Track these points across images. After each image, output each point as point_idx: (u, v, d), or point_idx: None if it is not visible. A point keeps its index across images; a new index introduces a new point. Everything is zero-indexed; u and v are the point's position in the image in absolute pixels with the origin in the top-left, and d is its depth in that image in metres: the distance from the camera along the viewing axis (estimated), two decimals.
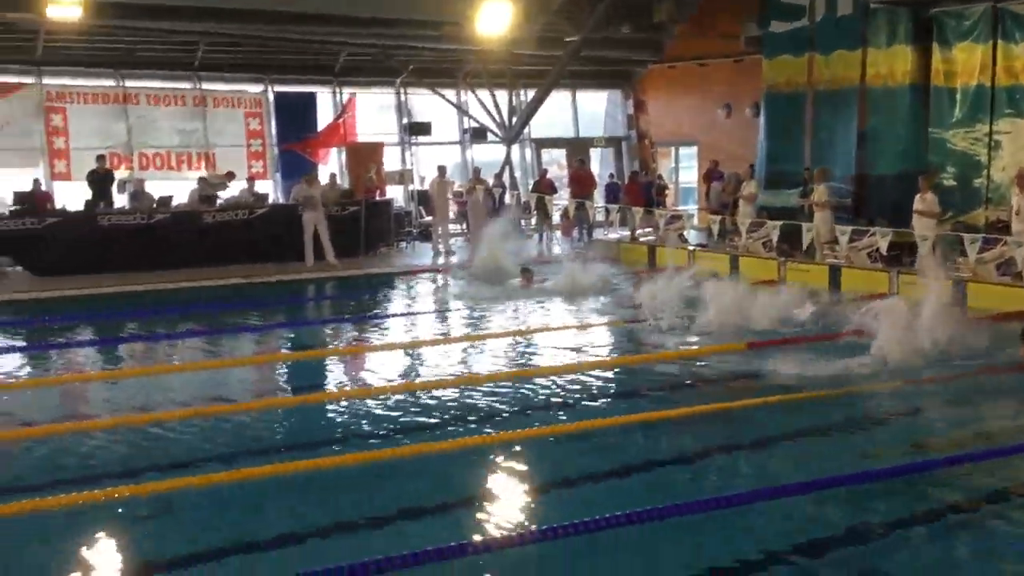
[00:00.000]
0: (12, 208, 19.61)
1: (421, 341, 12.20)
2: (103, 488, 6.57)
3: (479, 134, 27.27)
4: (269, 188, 24.29)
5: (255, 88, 25.03)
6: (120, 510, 6.34)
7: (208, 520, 6.18)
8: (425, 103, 27.53)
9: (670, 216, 21.56)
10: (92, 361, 11.54)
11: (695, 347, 11.27)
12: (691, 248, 19.80)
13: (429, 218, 24.75)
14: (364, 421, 8.47)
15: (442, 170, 23.52)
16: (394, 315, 14.18)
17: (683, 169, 29.66)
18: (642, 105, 29.62)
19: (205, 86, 24.28)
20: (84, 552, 5.72)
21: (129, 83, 23.40)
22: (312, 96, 25.51)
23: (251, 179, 22.42)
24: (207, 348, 12.09)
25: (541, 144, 29.14)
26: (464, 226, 25.69)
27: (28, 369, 10.97)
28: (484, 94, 26.56)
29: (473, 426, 8.16)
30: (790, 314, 12.08)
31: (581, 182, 24.60)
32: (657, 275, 13.74)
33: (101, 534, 6.00)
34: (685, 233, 21.53)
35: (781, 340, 11.20)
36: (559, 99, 28.67)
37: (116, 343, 12.58)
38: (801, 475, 6.75)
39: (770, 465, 7.35)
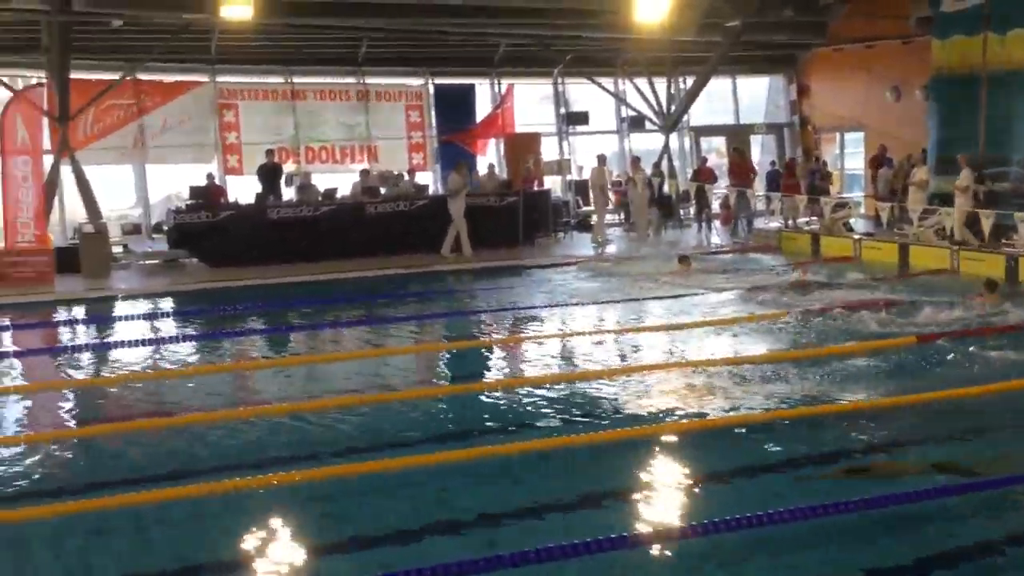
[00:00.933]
0: (188, 202, 20.53)
1: (577, 332, 12.14)
2: (272, 473, 6.76)
3: (637, 123, 27.04)
4: (429, 179, 24.68)
5: (416, 81, 25.48)
6: (295, 494, 6.49)
7: (390, 505, 6.28)
8: (583, 92, 27.46)
9: (835, 204, 20.92)
10: (261, 349, 11.92)
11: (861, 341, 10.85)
12: (857, 237, 19.15)
13: (587, 208, 24.71)
14: (544, 408, 8.45)
15: (601, 159, 23.44)
16: (550, 306, 14.17)
17: (848, 155, 28.71)
18: (805, 90, 28.82)
19: (368, 80, 24.85)
20: (258, 535, 5.88)
21: (297, 79, 24.17)
22: (471, 88, 25.79)
23: (412, 171, 22.84)
24: (369, 337, 12.31)
25: (700, 132, 28.70)
26: (623, 216, 25.54)
27: (203, 356, 11.40)
28: (642, 82, 26.31)
29: (639, 416, 8.08)
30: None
31: (738, 171, 24.09)
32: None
33: (275, 517, 6.15)
34: (851, 221, 20.86)
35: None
36: (719, 85, 28.15)
37: (284, 331, 12.96)
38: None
39: None
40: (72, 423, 8.78)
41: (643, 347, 11.01)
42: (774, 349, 10.51)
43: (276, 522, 6.04)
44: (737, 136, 28.26)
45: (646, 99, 26.42)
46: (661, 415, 8.05)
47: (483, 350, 11.50)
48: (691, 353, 10.49)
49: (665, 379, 9.23)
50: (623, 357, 10.61)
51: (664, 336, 11.56)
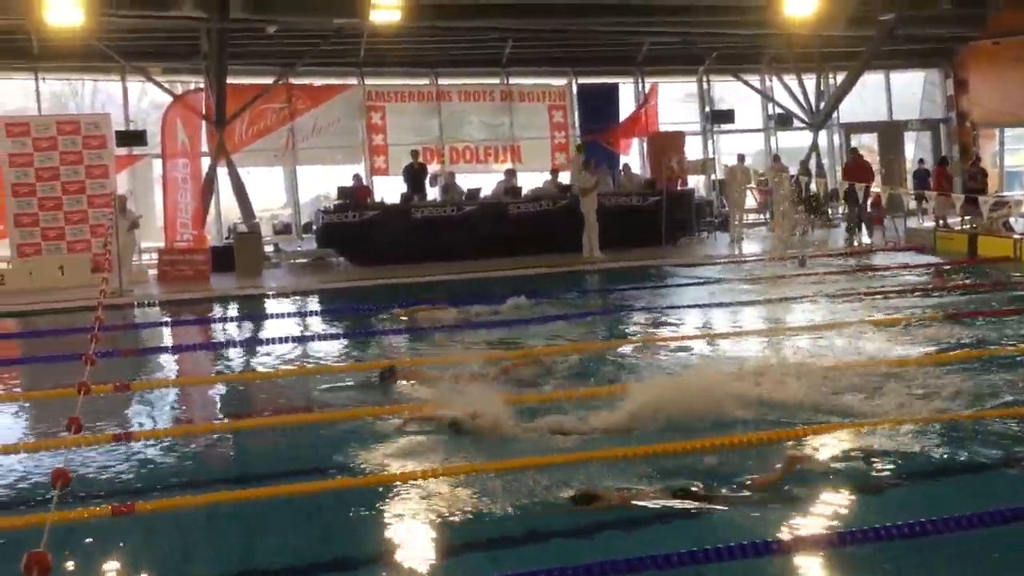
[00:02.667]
0: (336, 202, 21.05)
1: (719, 333, 11.87)
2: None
3: (784, 120, 26.46)
4: None
5: (559, 81, 25.51)
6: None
7: None
8: (728, 90, 27.05)
9: (994, 202, 20.02)
10: (405, 347, 11.97)
11: None
12: (1017, 236, 18.29)
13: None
14: None
15: (740, 157, 23.04)
16: (686, 306, 13.89)
17: (1009, 152, 27.45)
18: (963, 84, 27.68)
19: (512, 81, 25.01)
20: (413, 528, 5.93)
21: (442, 81, 24.50)
22: (614, 87, 25.66)
23: (555, 171, 22.86)
24: (511, 337, 12.25)
25: (850, 129, 27.87)
26: (767, 215, 25.03)
27: (352, 352, 11.56)
28: (790, 78, 25.73)
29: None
30: None
31: (856, 173, 22.87)
32: None
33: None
34: (1011, 220, 19.95)
35: None
36: (870, 80, 27.29)
37: (425, 331, 12.95)
38: None
39: None
40: (224, 416, 9.05)
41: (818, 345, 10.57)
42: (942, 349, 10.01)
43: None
44: (889, 133, 27.35)
45: (794, 96, 25.83)
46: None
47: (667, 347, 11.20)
48: (865, 352, 10.00)
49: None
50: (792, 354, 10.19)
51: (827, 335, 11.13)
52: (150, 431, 8.07)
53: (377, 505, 6.11)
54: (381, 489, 6.32)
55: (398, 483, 6.37)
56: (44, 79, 22.24)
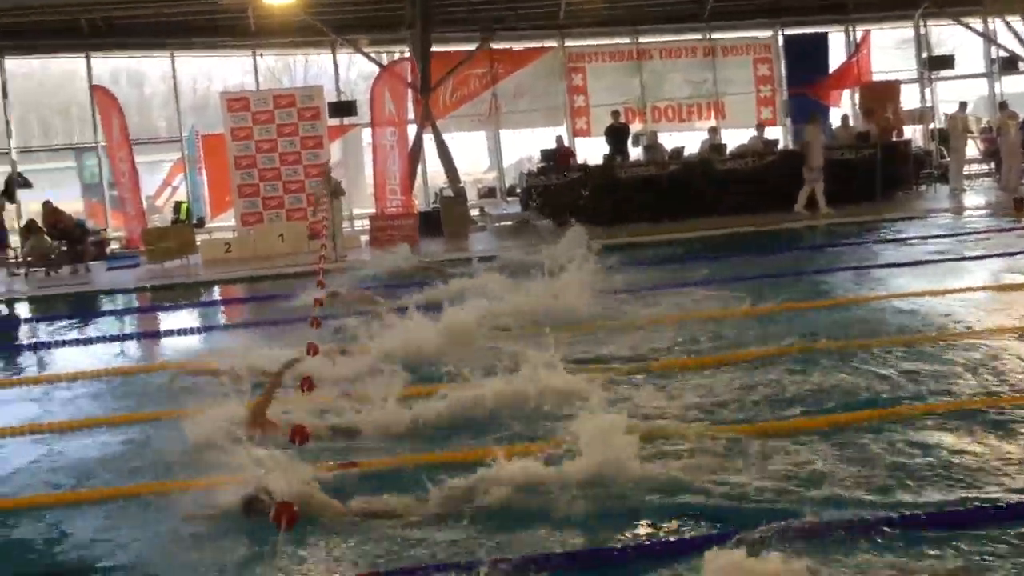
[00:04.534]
0: (539, 165, 21.18)
1: (930, 291, 11.19)
2: None
3: (1010, 64, 24.80)
4: (779, 134, 23.96)
5: (764, 33, 24.76)
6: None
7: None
8: (947, 34, 25.58)
9: None
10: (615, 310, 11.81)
11: None
12: None
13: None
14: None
15: (962, 105, 21.74)
16: (907, 264, 13.22)
17: None
18: None
19: (715, 36, 24.44)
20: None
21: (643, 39, 24.19)
22: (823, 36, 24.69)
23: (760, 126, 22.24)
24: (730, 296, 11.97)
25: None
26: (994, 166, 23.59)
27: None
28: (1015, 19, 24.06)
29: None
30: None
31: None
32: None
33: None
34: None
35: None
36: None
37: (639, 291, 12.75)
38: None
39: None
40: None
41: None
42: None
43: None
44: None
45: (1020, 38, 24.16)
46: None
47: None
48: None
49: None
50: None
51: None
52: None
53: None
54: None
55: None
56: (261, 55, 23.27)
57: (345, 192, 19.70)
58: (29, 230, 19.61)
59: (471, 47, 22.66)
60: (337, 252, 17.49)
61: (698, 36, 24.52)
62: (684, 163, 20.57)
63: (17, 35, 21.57)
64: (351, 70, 25.30)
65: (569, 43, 23.95)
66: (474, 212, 22.29)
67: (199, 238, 20.40)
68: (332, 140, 21.64)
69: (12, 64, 22.61)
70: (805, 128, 19.89)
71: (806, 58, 24.27)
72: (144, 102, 28.48)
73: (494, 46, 23.29)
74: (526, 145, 24.77)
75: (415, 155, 21.85)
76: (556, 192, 20.02)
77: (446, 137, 22.05)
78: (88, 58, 22.20)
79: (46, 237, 19.33)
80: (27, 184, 21.61)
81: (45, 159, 25.73)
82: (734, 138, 22.11)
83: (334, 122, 21.84)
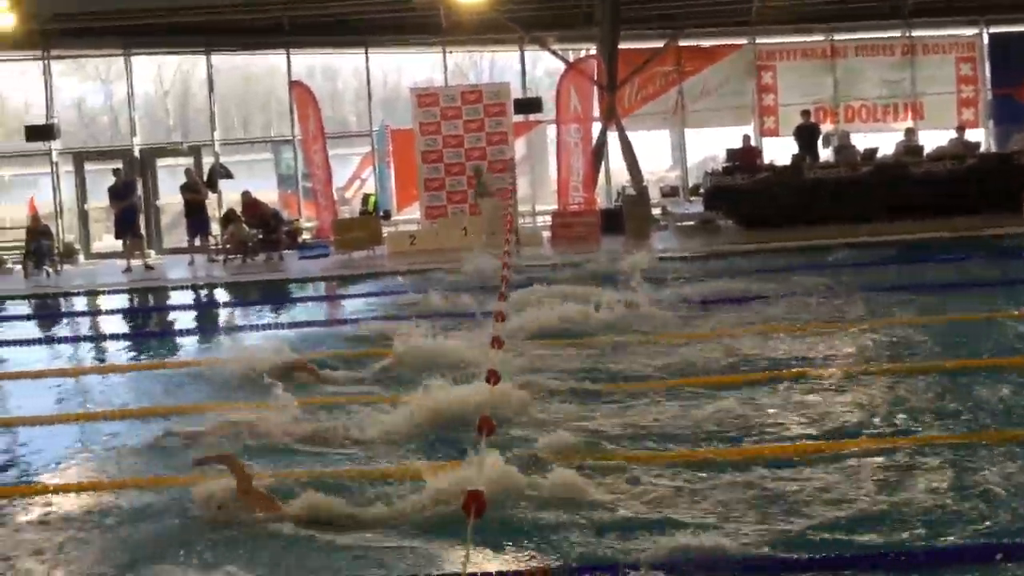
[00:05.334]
0: (725, 164, 20.82)
1: None
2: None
3: None
4: (980, 137, 22.79)
5: (968, 31, 23.59)
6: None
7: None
8: None
9: None
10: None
11: None
12: None
13: None
14: None
15: None
16: None
17: None
18: None
19: (915, 33, 23.45)
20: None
21: (837, 37, 23.44)
22: None
23: (961, 128, 21.19)
24: (909, 303, 11.50)
25: None
26: None
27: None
28: None
29: None
30: None
31: None
32: None
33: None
34: None
35: None
36: None
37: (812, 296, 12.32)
38: None
39: None
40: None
41: None
42: None
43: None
44: None
45: None
46: None
47: None
48: None
49: None
50: None
51: None
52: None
53: None
54: None
55: None
56: (450, 52, 23.69)
57: (494, 193, 19.80)
58: (228, 219, 20.59)
59: (658, 44, 22.45)
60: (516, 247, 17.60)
61: (897, 33, 23.56)
62: (877, 165, 19.82)
63: (225, 33, 22.62)
64: (537, 67, 25.48)
65: (760, 40, 23.42)
66: (656, 211, 22.08)
67: (385, 230, 20.95)
68: (517, 136, 21.84)
69: (217, 60, 23.72)
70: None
71: (1013, 58, 22.98)
72: (336, 97, 29.50)
73: (682, 43, 23.00)
74: (711, 144, 24.40)
75: (599, 153, 21.83)
76: (742, 192, 19.61)
77: (630, 135, 21.92)
78: (288, 54, 23.11)
79: (244, 226, 20.22)
80: (228, 175, 22.67)
81: (244, 151, 26.95)
82: (932, 140, 21.18)
83: (519, 118, 22.00)
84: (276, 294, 16.69)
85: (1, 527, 5.80)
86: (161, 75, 26.87)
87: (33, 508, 6.05)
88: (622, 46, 21.43)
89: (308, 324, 12.71)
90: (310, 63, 25.77)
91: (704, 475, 5.96)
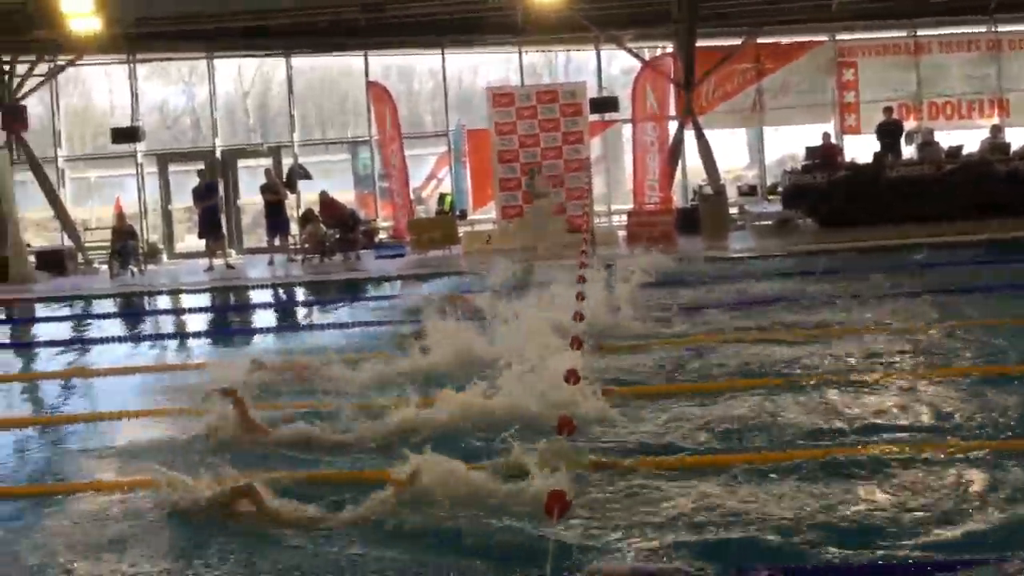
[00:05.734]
0: (804, 163, 20.55)
1: None
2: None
3: None
4: None
5: None
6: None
7: None
8: None
9: None
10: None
11: None
12: None
13: None
14: None
15: None
16: None
17: None
18: None
19: (1000, 29, 22.87)
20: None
21: (921, 32, 22.97)
22: None
23: None
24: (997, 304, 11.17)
25: None
26: None
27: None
28: None
29: None
30: None
31: None
32: None
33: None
34: None
35: None
36: None
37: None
38: None
39: None
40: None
41: None
42: None
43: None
44: None
45: None
46: None
47: None
48: None
49: None
50: None
51: None
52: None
53: None
54: None
55: None
56: (526, 51, 23.70)
57: (548, 194, 19.78)
58: (306, 219, 20.87)
59: (736, 42, 22.21)
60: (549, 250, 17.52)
61: (981, 28, 23.00)
62: (962, 163, 19.39)
63: (304, 35, 22.89)
64: (612, 65, 25.36)
65: (840, 37, 23.05)
66: (733, 210, 21.86)
67: (461, 230, 21.04)
68: (592, 136, 21.78)
69: (295, 62, 24.03)
70: None
71: None
72: (412, 97, 29.64)
73: (760, 40, 22.73)
74: (789, 142, 24.09)
75: (675, 151, 21.67)
76: (821, 191, 19.32)
77: (707, 133, 21.73)
78: (366, 55, 23.32)
79: (322, 226, 20.48)
80: (307, 176, 22.95)
81: (322, 152, 27.24)
82: (1019, 137, 20.67)
83: (595, 118, 21.93)
84: (352, 293, 16.80)
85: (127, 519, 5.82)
86: (241, 76, 27.26)
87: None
88: (699, 44, 21.25)
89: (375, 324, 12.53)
90: (386, 63, 25.90)
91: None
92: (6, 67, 21.99)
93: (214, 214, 20.58)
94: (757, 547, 4.82)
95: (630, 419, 7.12)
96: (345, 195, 23.40)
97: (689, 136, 21.76)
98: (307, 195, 22.73)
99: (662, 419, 7.12)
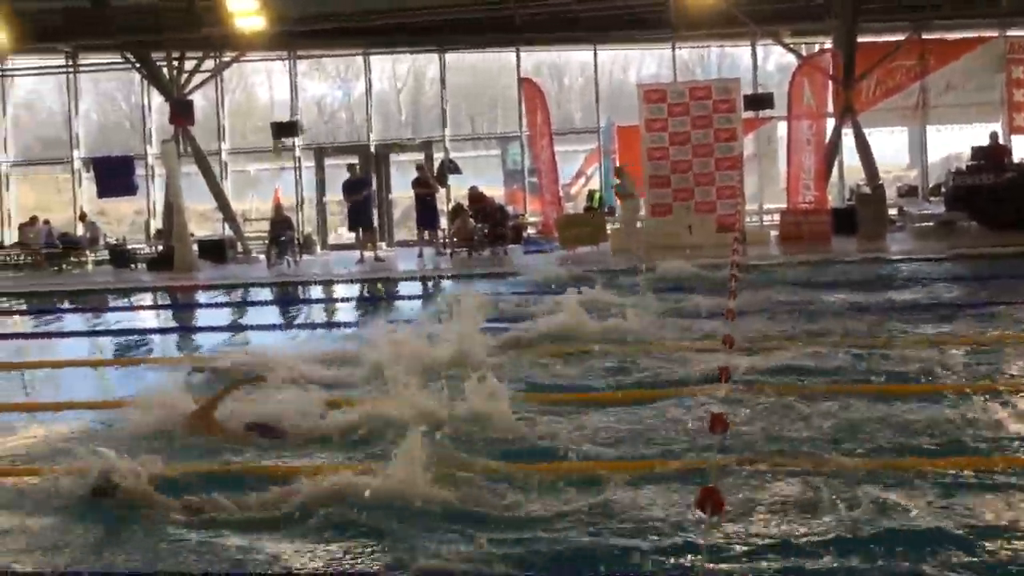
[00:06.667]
0: (969, 163, 19.71)
1: None
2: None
3: None
4: None
5: None
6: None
7: None
8: None
9: None
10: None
11: None
12: None
13: None
14: None
15: None
16: None
17: None
18: None
19: None
20: None
21: None
22: None
23: None
24: None
25: None
26: None
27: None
28: None
29: None
30: None
31: None
32: None
33: None
34: None
35: None
36: None
37: None
38: None
39: None
40: None
41: None
42: None
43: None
44: None
45: None
46: None
47: None
48: None
49: None
50: None
51: None
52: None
53: None
54: None
55: None
56: (679, 47, 23.41)
57: (635, 194, 19.43)
58: (456, 213, 21.09)
59: (900, 37, 21.43)
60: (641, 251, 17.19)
61: None
62: None
63: (457, 32, 23.10)
64: (767, 62, 24.85)
65: (1012, 32, 21.99)
66: (892, 211, 21.11)
67: (609, 227, 20.92)
68: (746, 133, 21.33)
69: (448, 57, 24.31)
70: None
71: None
72: (562, 93, 29.68)
73: (925, 36, 21.87)
74: (954, 142, 23.14)
75: (832, 150, 21.05)
76: (987, 192, 18.47)
77: (866, 131, 21.05)
78: (518, 51, 23.41)
79: (471, 220, 20.65)
80: (457, 170, 23.22)
81: (472, 147, 27.53)
82: None
83: (748, 115, 21.49)
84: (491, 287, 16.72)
85: None
86: (395, 72, 27.79)
87: None
88: (860, 39, 20.59)
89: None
90: (537, 60, 26.01)
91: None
92: (175, 63, 22.90)
93: (366, 207, 20.97)
94: None
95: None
96: (494, 190, 23.57)
97: (846, 134, 21.11)
98: (457, 190, 22.97)
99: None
